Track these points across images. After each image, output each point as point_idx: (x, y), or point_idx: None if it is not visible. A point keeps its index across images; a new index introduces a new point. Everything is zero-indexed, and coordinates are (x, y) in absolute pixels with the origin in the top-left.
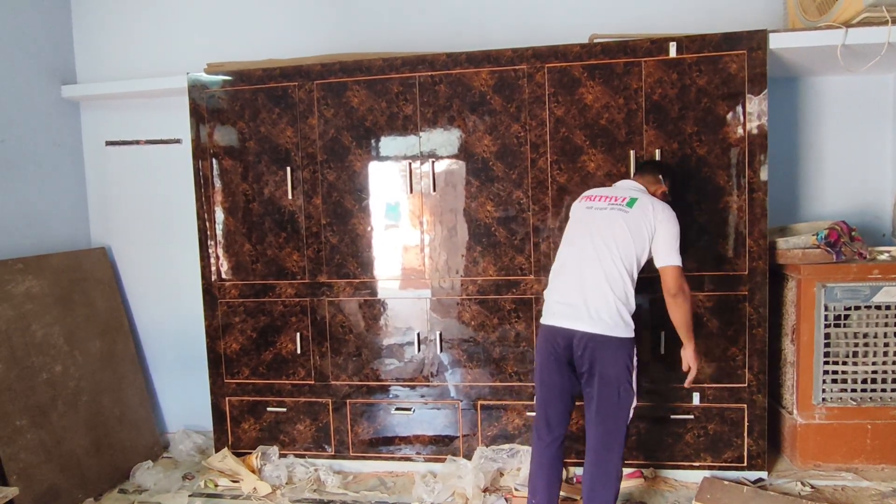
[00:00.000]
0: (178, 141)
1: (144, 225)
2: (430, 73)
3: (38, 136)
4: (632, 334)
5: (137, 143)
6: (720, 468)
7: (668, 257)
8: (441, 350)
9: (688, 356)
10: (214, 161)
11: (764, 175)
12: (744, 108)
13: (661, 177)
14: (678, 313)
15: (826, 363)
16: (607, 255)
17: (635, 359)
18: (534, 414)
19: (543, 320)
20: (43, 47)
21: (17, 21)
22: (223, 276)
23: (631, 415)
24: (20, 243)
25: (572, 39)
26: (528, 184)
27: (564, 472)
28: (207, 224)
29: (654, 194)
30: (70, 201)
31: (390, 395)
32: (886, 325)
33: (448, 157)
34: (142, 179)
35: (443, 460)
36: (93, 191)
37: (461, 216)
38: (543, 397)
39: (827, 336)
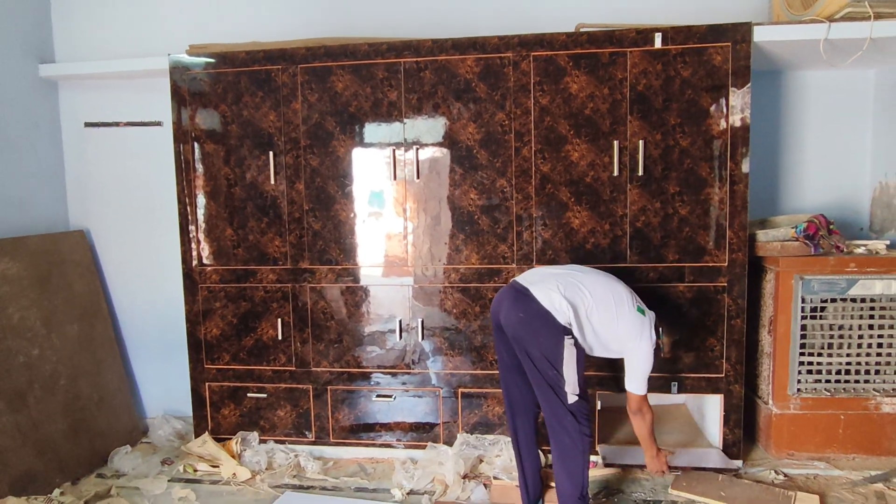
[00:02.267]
0: (158, 123)
1: (124, 208)
2: (415, 60)
3: (15, 116)
4: (565, 324)
5: (117, 124)
6: None
7: (633, 385)
8: (423, 338)
9: (649, 461)
10: (196, 145)
11: (745, 167)
12: (727, 100)
13: (660, 330)
14: (636, 426)
15: (802, 354)
16: (583, 290)
17: (567, 350)
18: None
19: None
20: (19, 24)
21: None
22: (204, 260)
23: (571, 399)
24: None
25: (559, 28)
26: (511, 172)
27: (543, 459)
28: (188, 208)
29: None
30: (48, 183)
31: (371, 382)
32: (861, 317)
33: (432, 144)
34: (122, 162)
35: (423, 447)
36: (71, 173)
37: (445, 204)
38: (502, 375)
39: (803, 328)
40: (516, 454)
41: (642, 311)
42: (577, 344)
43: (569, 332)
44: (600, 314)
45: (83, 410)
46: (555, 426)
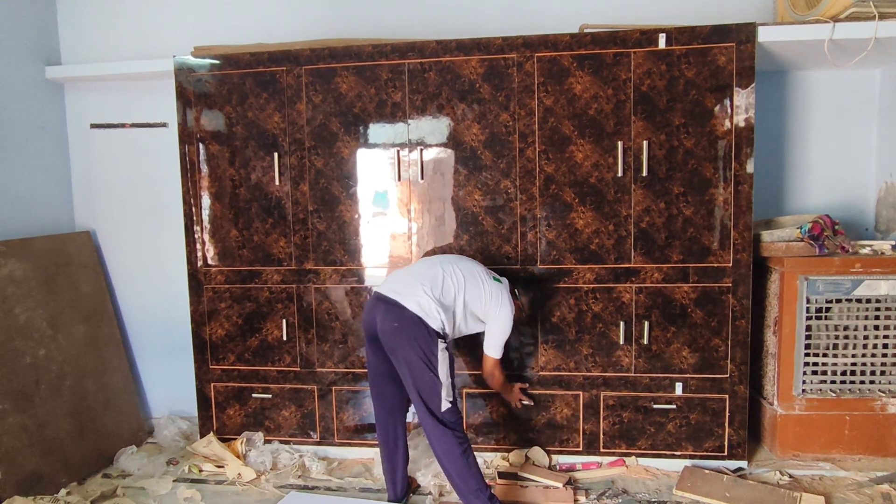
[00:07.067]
0: (164, 125)
1: (130, 209)
2: (419, 61)
3: (21, 118)
4: (436, 327)
5: (123, 126)
6: (701, 457)
7: (492, 350)
8: None
9: (507, 396)
10: (201, 146)
11: (750, 168)
12: (731, 100)
13: (516, 291)
14: (491, 383)
15: (807, 355)
16: (448, 279)
17: (440, 354)
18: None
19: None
20: (26, 27)
21: None
22: (209, 261)
23: (445, 406)
24: (2, 226)
25: (563, 29)
26: (516, 173)
27: (548, 460)
28: (193, 209)
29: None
30: (54, 184)
31: None
32: (867, 318)
33: (436, 145)
34: (127, 163)
35: None
36: (77, 174)
37: (449, 204)
38: (374, 381)
39: (808, 328)
40: (386, 453)
41: (498, 280)
42: (448, 349)
43: (442, 336)
44: (470, 291)
45: (89, 411)
46: (430, 436)
